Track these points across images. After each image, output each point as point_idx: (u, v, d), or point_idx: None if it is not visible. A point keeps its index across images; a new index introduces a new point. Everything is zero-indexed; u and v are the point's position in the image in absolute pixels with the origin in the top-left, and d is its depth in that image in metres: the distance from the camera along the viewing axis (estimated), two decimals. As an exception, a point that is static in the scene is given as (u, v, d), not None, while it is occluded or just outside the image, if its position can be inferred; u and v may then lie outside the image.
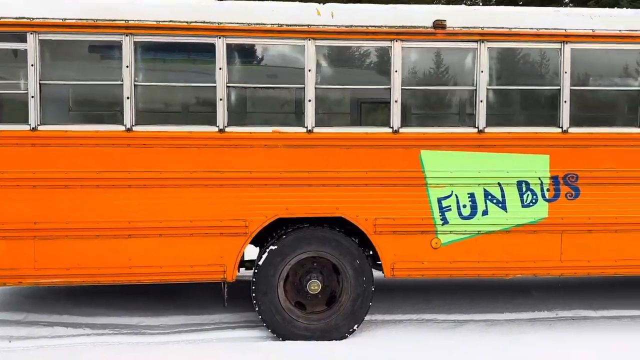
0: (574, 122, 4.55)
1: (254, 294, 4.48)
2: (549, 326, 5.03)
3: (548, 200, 4.56)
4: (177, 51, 4.56)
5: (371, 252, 4.65)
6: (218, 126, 4.35)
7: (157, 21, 4.28)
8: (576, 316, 5.33)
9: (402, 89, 4.45)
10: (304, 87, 4.39)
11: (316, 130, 4.43)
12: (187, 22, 4.30)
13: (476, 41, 4.46)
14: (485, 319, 5.30)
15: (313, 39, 4.38)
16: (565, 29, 4.49)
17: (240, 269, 4.70)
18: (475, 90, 4.49)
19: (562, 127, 4.53)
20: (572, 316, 5.35)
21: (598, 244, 4.60)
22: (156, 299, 5.61)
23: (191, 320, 5.25)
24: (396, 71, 4.42)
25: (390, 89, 4.44)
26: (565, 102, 4.51)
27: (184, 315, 5.30)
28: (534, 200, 4.56)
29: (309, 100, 4.41)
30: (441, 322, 5.12)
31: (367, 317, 5.10)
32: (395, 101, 4.44)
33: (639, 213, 4.56)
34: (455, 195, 4.53)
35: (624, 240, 4.60)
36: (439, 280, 6.04)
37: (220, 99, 4.34)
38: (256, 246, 4.82)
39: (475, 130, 4.50)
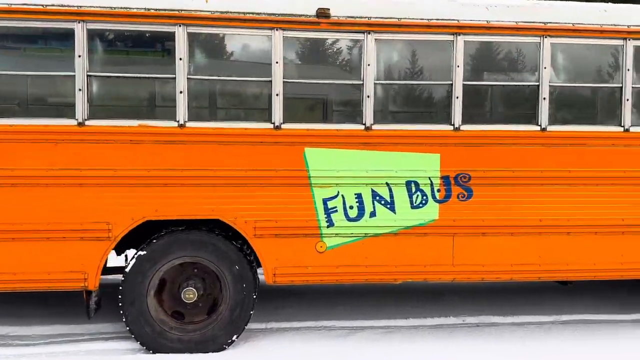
0: (467, 119, 4.28)
1: (120, 304, 4.08)
2: (450, 333, 4.80)
3: (439, 202, 4.30)
4: (33, 38, 4.11)
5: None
6: (77, 119, 3.91)
7: (8, 4, 3.86)
8: (482, 322, 5.11)
9: (284, 81, 4.10)
10: (175, 78, 4.01)
11: (189, 124, 4.03)
12: (42, 5, 3.87)
13: (363, 32, 4.14)
14: (386, 325, 5.03)
15: (184, 24, 3.99)
16: (458, 20, 4.22)
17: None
18: (363, 84, 4.17)
19: (453, 125, 4.26)
20: (477, 322, 5.14)
21: (492, 248, 4.35)
22: (33, 306, 5.13)
23: (69, 330, 4.81)
24: (277, 62, 4.07)
25: (271, 81, 4.09)
26: (457, 97, 4.24)
27: (61, 324, 4.84)
28: (424, 201, 4.30)
29: (180, 92, 4.01)
30: (337, 330, 4.83)
31: (258, 326, 4.82)
32: (277, 95, 4.08)
33: (536, 215, 4.37)
34: (342, 195, 4.21)
35: (520, 244, 4.37)
36: (348, 285, 5.81)
37: (80, 89, 3.91)
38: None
39: (363, 127, 4.19)
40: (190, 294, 4.15)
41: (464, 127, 4.28)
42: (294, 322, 5.04)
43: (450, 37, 4.24)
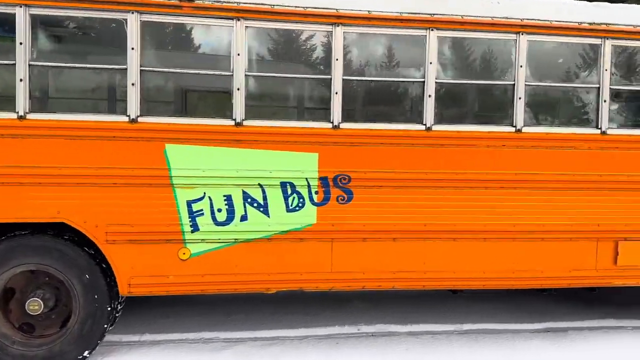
0: (347, 117, 3.94)
1: (-46, 316, 3.65)
2: (336, 344, 4.45)
3: (317, 204, 3.95)
4: None
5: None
6: None
7: None
8: (378, 332, 4.80)
9: (141, 70, 3.67)
10: (15, 64, 3.56)
11: (30, 116, 3.57)
12: None
13: (232, 18, 3.78)
14: (275, 335, 4.67)
15: (26, 5, 3.59)
16: (337, 9, 3.87)
17: None
18: (232, 76, 3.80)
19: (332, 123, 3.91)
20: (374, 332, 4.84)
21: (374, 254, 4.03)
22: None
23: None
24: (133, 48, 3.64)
25: (126, 69, 3.66)
26: (336, 93, 3.88)
27: None
28: (300, 204, 3.95)
29: (20, 80, 3.58)
30: (216, 342, 4.42)
31: (131, 338, 4.38)
32: (133, 84, 3.66)
33: (421, 220, 4.07)
34: (209, 197, 3.83)
35: (404, 250, 4.06)
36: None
37: None
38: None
39: (233, 122, 3.81)
40: (35, 305, 3.69)
41: (344, 126, 3.92)
42: (173, 334, 4.62)
43: (328, 28, 3.90)
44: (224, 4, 3.72)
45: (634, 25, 4.19)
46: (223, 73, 3.83)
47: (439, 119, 4.08)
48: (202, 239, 3.83)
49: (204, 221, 3.83)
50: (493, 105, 4.30)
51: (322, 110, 3.98)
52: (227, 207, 3.85)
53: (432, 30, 3.98)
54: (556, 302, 5.77)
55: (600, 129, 4.22)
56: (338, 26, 3.85)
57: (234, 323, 4.94)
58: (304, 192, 3.94)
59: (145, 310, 5.05)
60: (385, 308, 5.43)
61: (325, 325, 4.94)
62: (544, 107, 4.35)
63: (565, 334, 4.75)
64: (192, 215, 3.82)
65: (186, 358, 4.06)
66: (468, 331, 5.01)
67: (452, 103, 4.25)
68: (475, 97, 4.38)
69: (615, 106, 4.29)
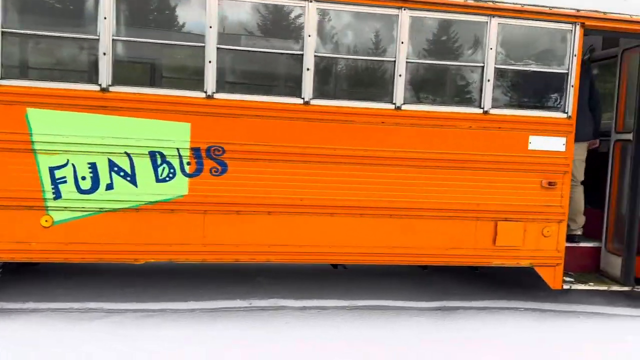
0: (222, 87, 3.87)
1: None
2: (218, 317, 4.41)
3: (188, 176, 3.87)
4: None
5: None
6: None
7: None
8: (271, 306, 4.73)
9: (2, 31, 3.58)
10: None
11: None
12: None
13: (97, -20, 3.69)
14: (157, 308, 4.62)
15: None
16: (211, -24, 3.79)
17: None
18: (98, 39, 3.62)
19: (206, 92, 3.82)
20: (266, 306, 4.81)
21: (248, 227, 3.97)
22: None
23: None
24: (-11, 7, 3.55)
25: (-15, 29, 3.55)
26: (210, 62, 3.77)
27: None
28: (171, 175, 3.86)
29: None
30: (100, 312, 4.36)
31: (13, 306, 4.34)
32: (-9, 45, 3.58)
33: (298, 194, 3.99)
34: (72, 164, 3.71)
35: (279, 224, 4.02)
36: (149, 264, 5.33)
37: None
38: None
39: (98, 88, 3.66)
40: None
41: (219, 96, 3.85)
42: (58, 303, 4.50)
43: None
44: (89, -36, 3.60)
45: (521, 4, 4.15)
46: (89, 37, 3.71)
47: (319, 93, 4.01)
48: (66, 207, 3.73)
49: (67, 189, 3.72)
50: (375, 82, 4.24)
51: (196, 80, 3.87)
52: (91, 175, 3.74)
53: (311, 2, 3.90)
54: (458, 282, 5.81)
55: (483, 108, 4.20)
56: (212, -7, 3.76)
57: (125, 295, 4.88)
58: (175, 163, 3.85)
59: (43, 279, 4.96)
60: (287, 284, 5.38)
61: (216, 299, 4.94)
62: (426, 85, 4.30)
63: (452, 313, 4.77)
64: (55, 182, 3.70)
65: (58, 324, 3.96)
66: (360, 307, 5.01)
67: (332, 78, 4.19)
68: (356, 74, 4.30)
69: (499, 86, 4.26)
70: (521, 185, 4.29)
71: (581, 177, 4.88)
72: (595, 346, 4.13)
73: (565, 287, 4.46)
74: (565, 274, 4.86)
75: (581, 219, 4.88)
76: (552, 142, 4.29)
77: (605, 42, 5.39)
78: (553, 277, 4.41)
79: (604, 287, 4.56)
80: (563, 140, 4.30)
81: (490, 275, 6.05)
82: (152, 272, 5.62)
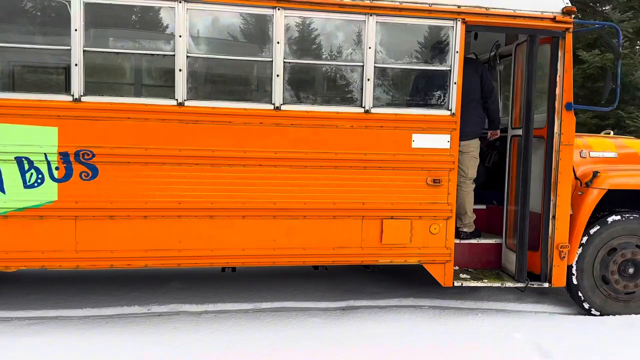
0: (89, 90, 3.72)
1: None
2: (105, 323, 4.27)
3: (58, 181, 3.77)
4: None
5: None
6: None
7: None
8: (170, 311, 4.64)
9: None
10: None
11: None
12: None
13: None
14: (52, 315, 4.59)
15: None
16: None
17: None
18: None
19: (73, 95, 3.72)
20: (165, 311, 4.66)
21: (123, 232, 3.89)
22: None
23: None
24: None
25: None
26: (76, 65, 3.65)
27: None
28: (39, 181, 3.75)
29: None
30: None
31: None
32: None
33: (175, 198, 3.91)
34: None
35: (156, 228, 3.92)
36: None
37: None
38: None
39: (-42, 93, 3.66)
40: None
41: (86, 99, 3.73)
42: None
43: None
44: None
45: (400, 2, 4.13)
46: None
47: (194, 94, 3.93)
48: None
49: None
50: (253, 83, 4.19)
51: (59, 82, 3.78)
52: (-45, 182, 3.67)
53: (180, 3, 3.84)
54: (372, 280, 5.78)
55: (364, 107, 4.17)
56: (75, -5, 3.68)
57: (29, 302, 4.81)
58: (43, 168, 3.75)
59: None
60: (198, 287, 5.32)
61: (115, 306, 4.83)
62: (306, 85, 4.25)
63: (350, 313, 4.72)
64: None
65: None
66: (264, 309, 4.95)
67: (208, 79, 4.13)
68: (235, 74, 4.25)
69: (380, 85, 4.23)
70: (406, 183, 4.26)
71: (473, 174, 4.87)
72: (478, 344, 4.10)
73: (457, 284, 4.43)
74: (465, 270, 4.86)
75: (471, 216, 4.87)
76: (436, 140, 4.26)
77: (508, 38, 5.41)
78: (443, 274, 4.38)
79: (498, 284, 4.54)
80: (447, 137, 4.28)
81: (406, 274, 6.04)
82: (62, 278, 5.53)
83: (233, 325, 4.41)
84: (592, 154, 4.96)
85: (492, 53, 5.55)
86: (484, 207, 5.25)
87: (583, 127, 9.92)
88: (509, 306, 5.09)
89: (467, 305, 5.08)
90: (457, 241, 4.89)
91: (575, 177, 4.83)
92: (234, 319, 4.56)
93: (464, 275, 4.65)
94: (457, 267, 4.88)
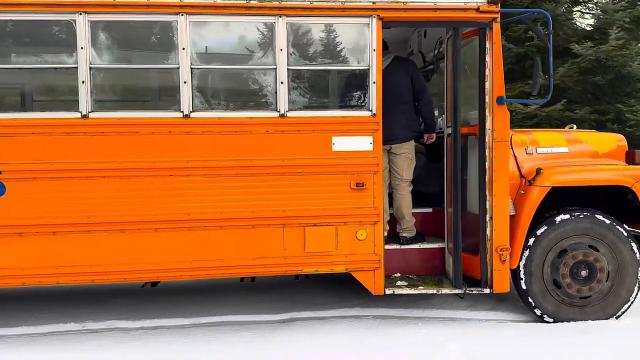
0: (-6, 106, 3.78)
1: None
2: (32, 342, 4.21)
3: (-39, 199, 3.79)
4: None
5: None
6: None
7: None
8: (107, 328, 4.50)
9: None
10: None
11: None
12: None
13: None
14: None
15: None
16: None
17: None
18: None
19: (-25, 113, 3.76)
20: (102, 328, 4.54)
21: (33, 249, 3.79)
22: None
23: None
24: None
25: None
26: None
27: None
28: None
29: None
30: None
31: None
32: None
33: (82, 212, 3.79)
34: None
35: (64, 244, 3.80)
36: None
37: None
38: None
39: None
40: None
41: (-10, 115, 3.76)
42: None
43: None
44: None
45: (310, 1, 3.96)
46: None
47: (98, 106, 3.84)
48: None
49: None
50: (161, 91, 4.08)
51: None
52: None
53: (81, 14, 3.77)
54: (325, 290, 5.55)
55: (279, 111, 3.99)
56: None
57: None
58: (-62, 187, 3.73)
59: None
60: (142, 303, 5.20)
61: (50, 323, 4.72)
62: (218, 90, 4.10)
63: (285, 325, 4.52)
64: None
65: None
66: (202, 324, 4.78)
67: (113, 89, 4.03)
68: (141, 83, 4.14)
69: (296, 87, 4.06)
70: (328, 188, 4.04)
71: (409, 177, 4.63)
72: (407, 356, 3.81)
73: (388, 292, 4.17)
74: (405, 277, 4.60)
75: (409, 220, 4.63)
76: (357, 142, 4.04)
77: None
78: (373, 282, 4.13)
79: (434, 291, 4.26)
80: (369, 139, 4.06)
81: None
82: (10, 296, 5.50)
83: (159, 341, 4.24)
84: (540, 150, 4.65)
85: (436, 51, 5.31)
86: (430, 210, 5.00)
87: (583, 124, 9.47)
88: (458, 314, 4.78)
89: (413, 314, 4.79)
90: (398, 247, 4.67)
91: (521, 175, 4.55)
92: (165, 335, 4.40)
93: (401, 283, 4.39)
94: (398, 274, 4.63)
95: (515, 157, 4.59)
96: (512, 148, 4.60)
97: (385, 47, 4.63)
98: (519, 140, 4.66)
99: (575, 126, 5.40)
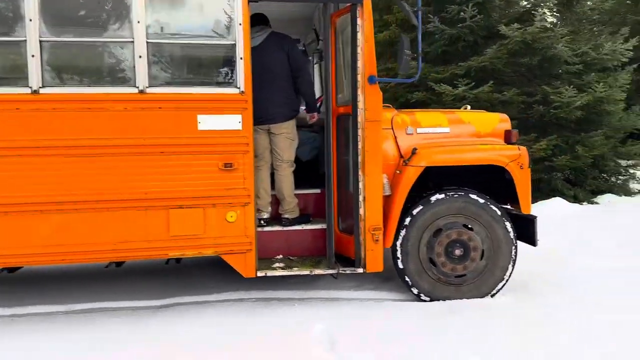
0: None
1: None
2: None
3: None
4: None
5: None
6: None
7: None
8: None
9: None
10: None
11: None
12: None
13: None
14: None
15: None
16: None
17: None
18: None
19: None
20: None
21: None
22: None
23: None
24: None
25: None
26: None
27: None
28: None
29: None
30: None
31: None
32: None
33: None
34: None
35: None
36: None
37: None
38: None
39: None
40: None
41: None
42: None
43: None
44: None
45: (169, -29, 3.75)
46: None
47: None
48: None
49: None
50: (7, 65, 3.78)
51: None
52: None
53: None
54: (213, 273, 5.42)
55: (138, 87, 3.76)
56: None
57: None
58: None
59: None
60: (18, 289, 4.90)
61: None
62: (71, 64, 3.81)
63: (157, 311, 4.39)
64: None
65: None
66: (76, 311, 4.56)
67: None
68: None
69: (157, 62, 3.83)
70: (195, 169, 3.87)
71: (289, 157, 4.52)
72: (271, 337, 3.73)
73: (260, 274, 4.07)
74: (286, 259, 4.52)
75: (291, 201, 4.55)
76: (225, 121, 3.88)
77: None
78: (244, 264, 4.01)
79: (307, 272, 4.21)
80: (238, 118, 3.90)
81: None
82: None
83: (23, 330, 4.04)
84: (420, 130, 4.63)
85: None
86: (318, 191, 4.93)
87: (510, 105, 9.63)
88: (342, 294, 4.75)
89: (296, 296, 4.71)
90: (280, 229, 4.59)
91: (401, 156, 4.53)
92: (31, 323, 4.19)
93: (278, 265, 4.30)
94: (280, 256, 4.55)
95: (396, 138, 4.57)
96: (392, 128, 4.59)
97: (263, 22, 4.47)
98: (400, 121, 4.63)
99: (469, 107, 5.42)
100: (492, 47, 9.35)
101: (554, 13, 10.67)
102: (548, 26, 9.37)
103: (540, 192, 9.23)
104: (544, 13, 10.85)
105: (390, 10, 10.95)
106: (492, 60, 9.39)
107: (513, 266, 4.50)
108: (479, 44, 9.88)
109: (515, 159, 4.36)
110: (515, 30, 9.10)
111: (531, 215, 4.48)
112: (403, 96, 10.69)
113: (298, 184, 4.81)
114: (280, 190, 4.51)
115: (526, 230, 4.46)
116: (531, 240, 4.46)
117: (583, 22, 11.12)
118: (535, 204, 8.80)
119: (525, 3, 10.28)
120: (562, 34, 9.17)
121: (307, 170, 5.23)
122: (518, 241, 4.51)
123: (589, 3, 10.67)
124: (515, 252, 4.43)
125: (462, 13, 9.52)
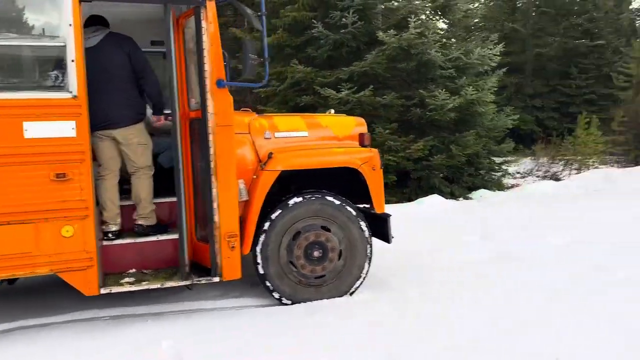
0: None
1: None
2: None
3: None
4: None
5: None
6: None
7: None
8: None
9: None
10: None
11: None
12: None
13: None
14: None
15: None
16: None
17: None
18: None
19: None
20: None
21: None
22: None
23: None
24: None
25: None
26: None
27: None
28: None
29: None
30: None
31: None
32: None
33: None
34: None
35: None
36: None
37: None
38: None
39: None
40: None
41: None
42: None
43: None
44: None
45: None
46: None
47: None
48: None
49: None
50: None
51: None
52: None
53: None
54: (69, 292, 5.06)
55: (-50, 92, 3.43)
56: None
57: None
58: None
59: None
60: None
61: None
62: None
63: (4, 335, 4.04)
64: None
65: None
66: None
67: None
68: None
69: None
70: (22, 181, 3.52)
71: (144, 163, 4.30)
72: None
73: (104, 291, 3.81)
74: (139, 273, 4.30)
75: (147, 206, 4.31)
76: (56, 128, 3.58)
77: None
78: (85, 282, 3.71)
79: (158, 285, 4.05)
80: (71, 124, 3.61)
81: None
82: None
83: None
84: (278, 134, 4.61)
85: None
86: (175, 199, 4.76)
87: (391, 108, 9.95)
88: (205, 305, 4.56)
89: (154, 310, 4.46)
90: (132, 241, 4.36)
91: (259, 161, 4.49)
92: None
93: (128, 279, 4.04)
94: (133, 270, 4.31)
95: (254, 142, 4.51)
96: (250, 133, 4.53)
97: (101, 22, 4.22)
98: (258, 125, 4.58)
99: (333, 111, 5.52)
100: (372, 53, 9.67)
101: (431, 19, 11.22)
102: (419, 32, 9.83)
103: (421, 189, 9.69)
104: (431, 20, 11.37)
105: (277, 14, 10.98)
106: (372, 66, 9.71)
107: (369, 264, 4.60)
108: (362, 50, 10.18)
109: (367, 161, 4.47)
110: (392, 36, 9.47)
111: (385, 214, 4.62)
112: (292, 100, 10.76)
113: (159, 193, 4.60)
114: (137, 195, 4.27)
115: (381, 228, 4.60)
116: (385, 237, 4.60)
117: (456, 28, 11.82)
118: (414, 201, 9.26)
119: (402, 10, 10.74)
120: (435, 40, 9.68)
121: (170, 178, 5.04)
122: (376, 239, 4.64)
123: (463, 9, 11.35)
124: (371, 251, 4.55)
125: (343, 19, 9.75)
